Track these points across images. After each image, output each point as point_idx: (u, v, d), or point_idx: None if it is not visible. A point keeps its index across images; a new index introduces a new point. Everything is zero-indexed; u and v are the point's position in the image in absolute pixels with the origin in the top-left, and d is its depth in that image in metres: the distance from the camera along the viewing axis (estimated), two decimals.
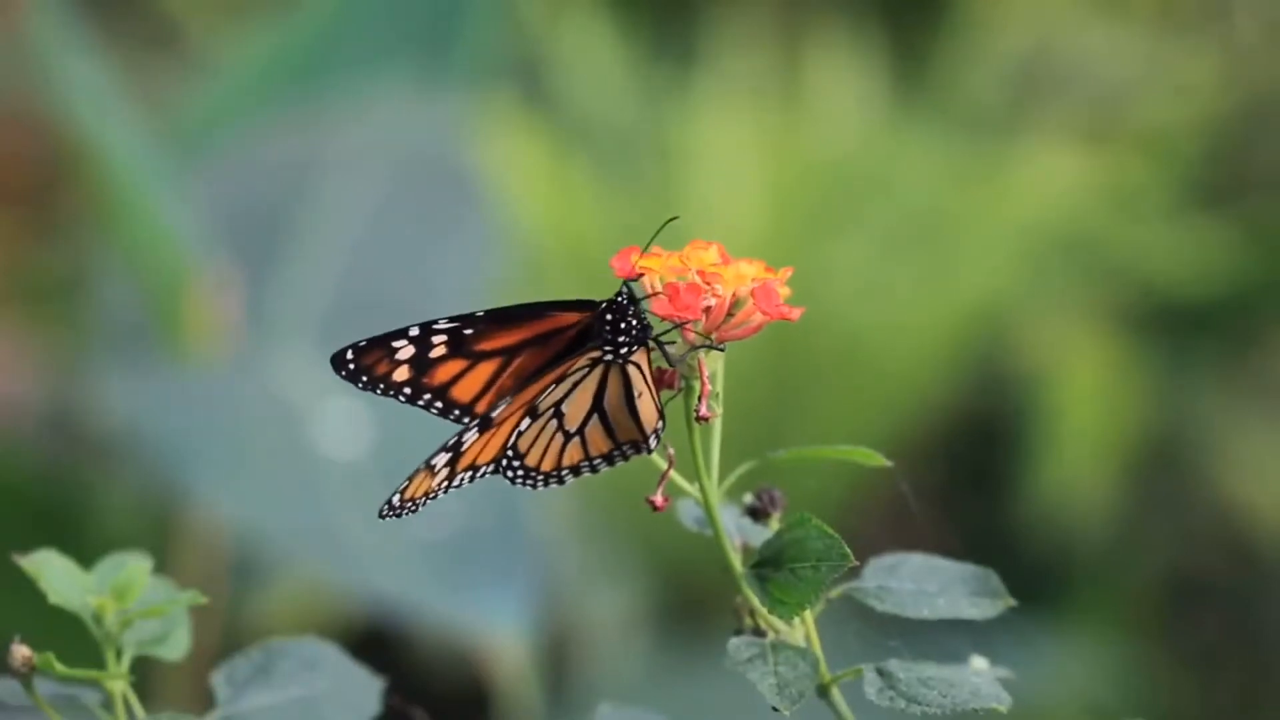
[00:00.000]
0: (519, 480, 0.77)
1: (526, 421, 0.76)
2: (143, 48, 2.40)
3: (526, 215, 2.04)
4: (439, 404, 0.78)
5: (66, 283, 2.10)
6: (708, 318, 0.74)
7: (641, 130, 2.24)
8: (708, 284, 0.74)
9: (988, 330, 2.20)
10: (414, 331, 0.78)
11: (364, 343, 0.78)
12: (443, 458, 0.76)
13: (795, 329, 2.04)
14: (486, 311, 0.78)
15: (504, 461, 0.77)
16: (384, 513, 0.77)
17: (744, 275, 0.74)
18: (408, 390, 0.78)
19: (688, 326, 0.74)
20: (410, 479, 0.76)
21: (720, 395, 0.75)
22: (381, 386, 0.79)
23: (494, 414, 0.76)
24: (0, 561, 0.87)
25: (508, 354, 0.78)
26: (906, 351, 2.13)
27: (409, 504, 0.76)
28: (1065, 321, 2.24)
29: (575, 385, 0.76)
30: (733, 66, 2.31)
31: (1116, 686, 2.01)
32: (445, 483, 0.77)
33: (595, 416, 0.76)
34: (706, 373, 0.74)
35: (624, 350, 0.76)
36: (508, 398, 0.77)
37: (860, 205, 2.18)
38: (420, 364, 0.78)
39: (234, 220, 1.83)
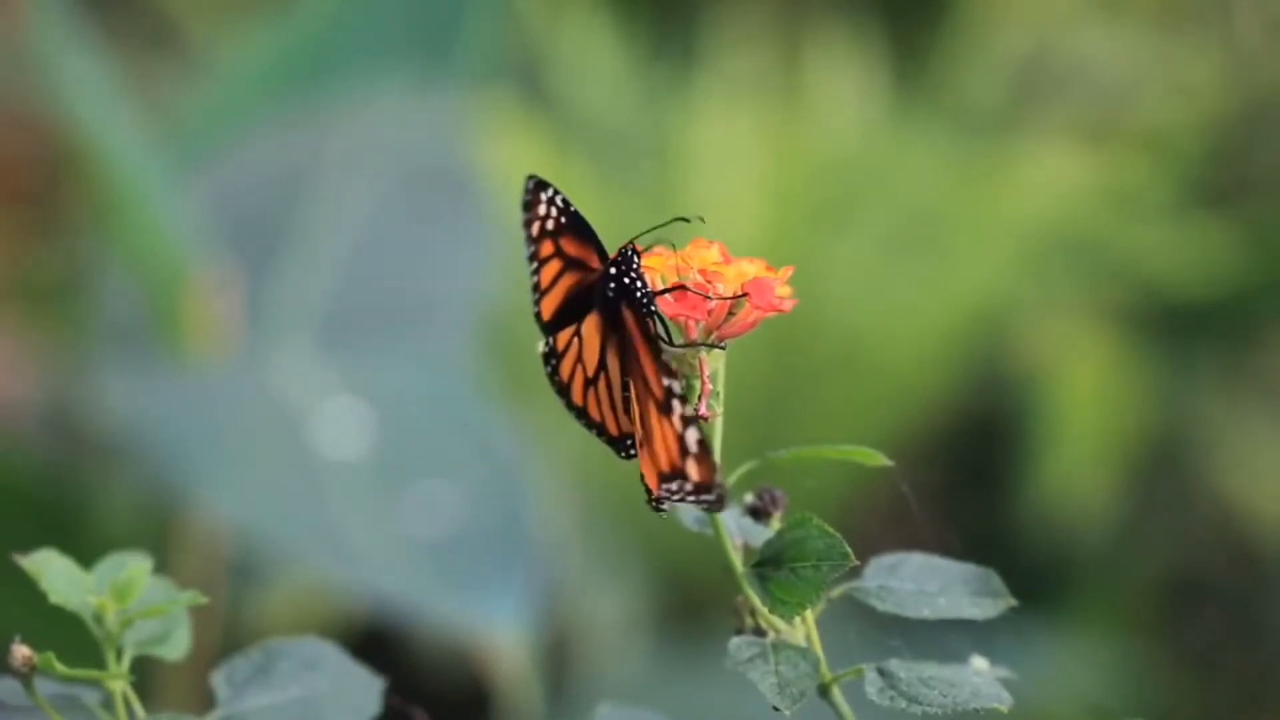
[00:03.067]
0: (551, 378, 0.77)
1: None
2: (143, 48, 2.40)
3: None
4: (533, 278, 0.77)
5: (66, 283, 2.10)
6: (710, 317, 0.74)
7: (641, 130, 2.24)
8: (710, 283, 0.74)
9: (988, 330, 2.20)
10: (548, 193, 0.77)
11: (536, 182, 0.78)
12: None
13: (795, 329, 2.04)
14: (574, 210, 0.77)
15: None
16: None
17: (745, 274, 0.74)
18: (531, 248, 0.78)
19: (691, 325, 0.74)
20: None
21: (721, 395, 0.75)
22: (533, 228, 0.78)
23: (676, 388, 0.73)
24: (0, 561, 0.87)
25: (565, 264, 0.77)
26: (907, 351, 2.13)
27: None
28: (1065, 322, 2.24)
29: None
30: (733, 66, 2.31)
31: (1116, 686, 2.01)
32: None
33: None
34: (707, 372, 0.74)
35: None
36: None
37: (860, 205, 2.18)
38: (543, 226, 0.78)
39: (234, 220, 1.83)
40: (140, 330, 1.76)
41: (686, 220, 0.78)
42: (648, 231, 0.77)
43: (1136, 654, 2.10)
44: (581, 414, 0.76)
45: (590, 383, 0.76)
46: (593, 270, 0.76)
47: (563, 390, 0.76)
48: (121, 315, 1.79)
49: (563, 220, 0.77)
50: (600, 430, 0.76)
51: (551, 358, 0.76)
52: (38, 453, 1.97)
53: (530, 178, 0.78)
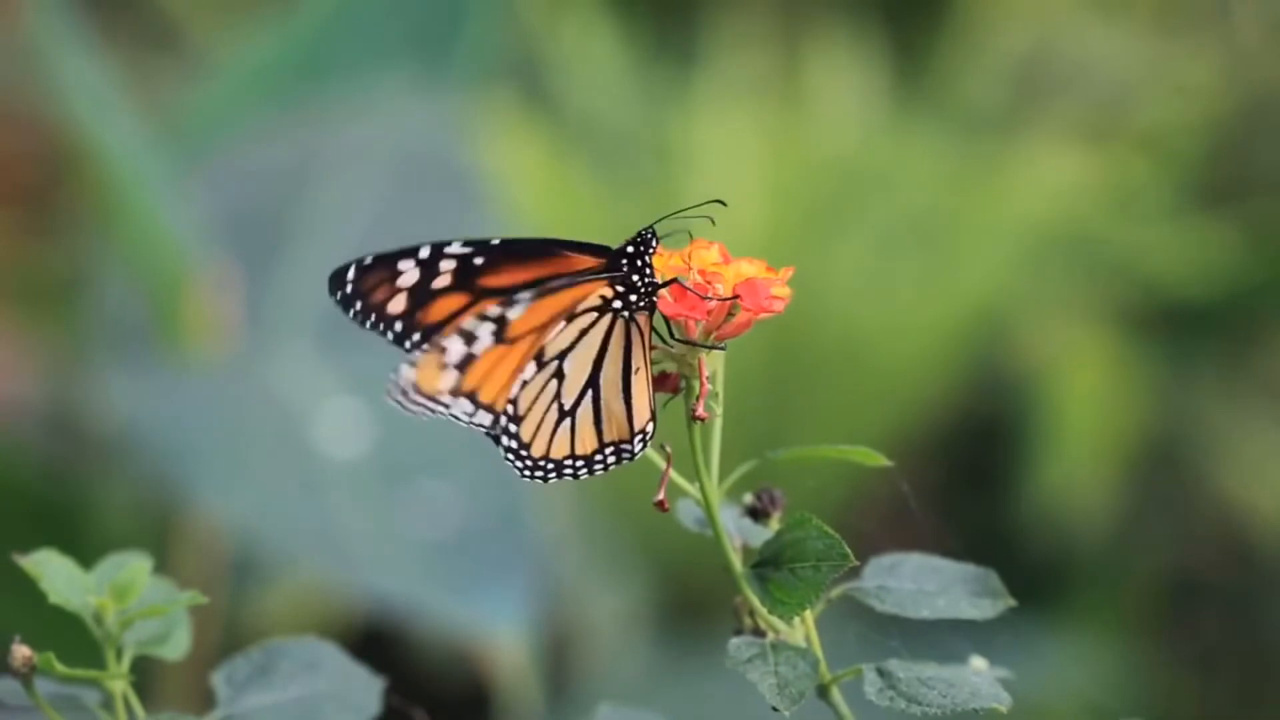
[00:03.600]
0: (510, 454, 0.74)
1: (532, 370, 0.74)
2: (143, 48, 2.40)
3: (526, 215, 2.04)
4: (426, 346, 0.74)
5: (66, 283, 2.10)
6: (709, 317, 0.74)
7: (641, 130, 2.24)
8: (709, 283, 0.74)
9: (988, 330, 2.20)
10: (424, 253, 0.74)
11: (369, 259, 0.74)
12: (457, 349, 0.72)
13: (795, 329, 2.04)
14: (501, 240, 0.75)
15: (502, 420, 0.74)
16: (392, 392, 0.73)
17: (744, 275, 0.74)
18: (399, 326, 0.74)
19: (691, 325, 0.74)
20: (423, 363, 0.72)
21: (720, 395, 0.75)
22: (373, 318, 0.74)
23: (510, 314, 0.72)
24: (0, 561, 0.87)
25: (510, 295, 0.74)
26: (907, 351, 2.13)
27: (422, 398, 0.72)
28: (1065, 321, 2.24)
29: (582, 333, 0.74)
30: (733, 66, 2.31)
31: (1115, 686, 2.01)
32: (449, 397, 0.73)
33: (589, 394, 0.74)
34: (706, 373, 0.74)
35: (635, 299, 0.74)
36: (522, 304, 0.73)
37: (860, 205, 2.18)
38: (420, 295, 0.75)
39: (234, 220, 1.83)
40: (140, 330, 1.76)
41: (714, 218, 0.77)
42: (667, 217, 0.76)
43: (1136, 654, 2.10)
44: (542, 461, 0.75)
45: (572, 408, 0.75)
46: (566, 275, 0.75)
47: (526, 446, 0.75)
48: (122, 315, 1.79)
49: (479, 260, 0.74)
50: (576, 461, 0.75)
51: (513, 422, 0.74)
52: (38, 453, 1.97)
53: (356, 263, 0.74)
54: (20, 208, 2.26)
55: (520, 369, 0.74)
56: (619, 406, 0.74)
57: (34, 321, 2.13)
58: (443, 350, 0.73)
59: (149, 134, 1.82)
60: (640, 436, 0.74)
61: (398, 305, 0.75)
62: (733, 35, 2.35)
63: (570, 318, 0.74)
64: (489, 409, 0.74)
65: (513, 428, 0.74)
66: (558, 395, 0.74)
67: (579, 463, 0.75)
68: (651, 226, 0.75)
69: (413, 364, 0.72)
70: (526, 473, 0.74)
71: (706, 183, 2.12)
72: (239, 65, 1.99)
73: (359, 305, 0.75)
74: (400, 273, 0.75)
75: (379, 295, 0.75)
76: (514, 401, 0.74)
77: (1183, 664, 2.17)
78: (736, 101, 2.23)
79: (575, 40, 2.30)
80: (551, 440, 0.74)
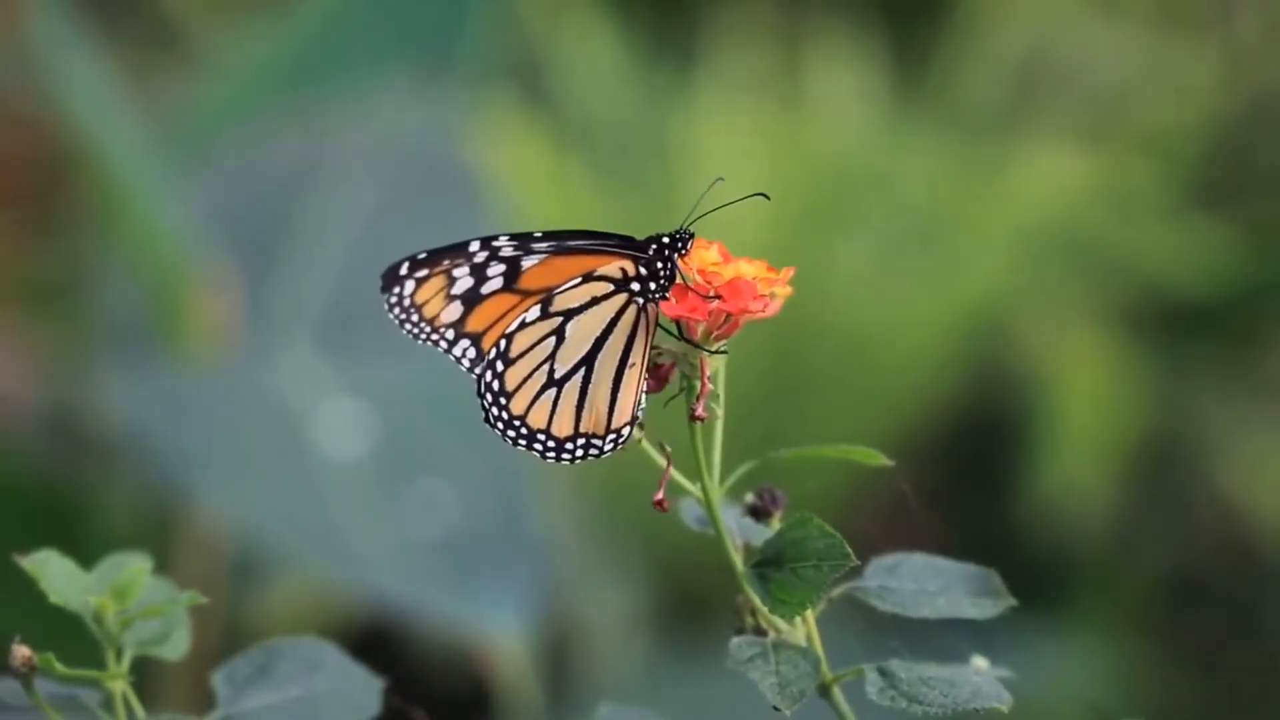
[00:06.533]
0: (486, 395, 0.74)
1: (535, 313, 0.73)
2: (143, 48, 2.40)
3: (526, 216, 2.04)
4: (474, 349, 0.75)
5: (66, 283, 2.10)
6: (710, 318, 0.74)
7: (641, 130, 2.24)
8: (709, 283, 0.74)
9: (988, 329, 2.20)
10: (478, 258, 0.74)
11: (422, 272, 0.74)
12: (465, 281, 0.73)
13: (796, 328, 2.04)
14: (545, 234, 0.75)
15: (490, 357, 0.74)
16: (392, 304, 0.73)
17: (744, 274, 0.74)
18: (450, 334, 0.75)
19: (693, 326, 0.74)
20: (428, 283, 0.73)
21: (721, 396, 0.75)
22: (427, 331, 0.75)
23: (524, 262, 0.73)
24: (0, 561, 0.87)
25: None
26: (907, 350, 2.13)
27: (423, 321, 0.73)
28: (1065, 321, 2.24)
29: (594, 300, 0.74)
30: (733, 66, 2.31)
31: (1116, 686, 2.01)
32: (450, 331, 0.73)
33: (581, 372, 0.74)
34: (708, 372, 0.74)
35: (653, 287, 0.74)
36: (538, 255, 0.73)
37: (860, 205, 2.18)
38: (471, 299, 0.75)
39: (234, 220, 1.83)
40: (140, 330, 1.76)
41: (715, 215, 0.78)
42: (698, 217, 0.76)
43: (1136, 654, 2.10)
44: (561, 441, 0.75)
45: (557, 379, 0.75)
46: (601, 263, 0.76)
47: (508, 395, 0.75)
48: (122, 315, 1.80)
49: (528, 263, 0.75)
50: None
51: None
52: (38, 453, 1.97)
53: (408, 269, 0.74)
54: (20, 208, 2.26)
55: (522, 313, 0.74)
56: (604, 397, 0.74)
57: (34, 321, 2.13)
58: (451, 278, 0.72)
59: (149, 135, 1.82)
60: (614, 436, 0.74)
61: (451, 314, 0.75)
62: (733, 34, 2.35)
63: (587, 278, 0.74)
64: (475, 354, 0.74)
65: (499, 366, 0.74)
66: (551, 357, 0.73)
67: (549, 442, 0.74)
68: (689, 228, 0.74)
69: (417, 281, 0.72)
70: (500, 424, 0.74)
71: (706, 182, 2.12)
72: (239, 66, 1.99)
73: (415, 318, 0.75)
74: (456, 279, 0.75)
75: (431, 308, 0.75)
76: (509, 338, 0.74)
77: (1183, 664, 2.17)
78: (736, 101, 2.23)
79: (575, 40, 2.30)
80: (533, 404, 0.74)
